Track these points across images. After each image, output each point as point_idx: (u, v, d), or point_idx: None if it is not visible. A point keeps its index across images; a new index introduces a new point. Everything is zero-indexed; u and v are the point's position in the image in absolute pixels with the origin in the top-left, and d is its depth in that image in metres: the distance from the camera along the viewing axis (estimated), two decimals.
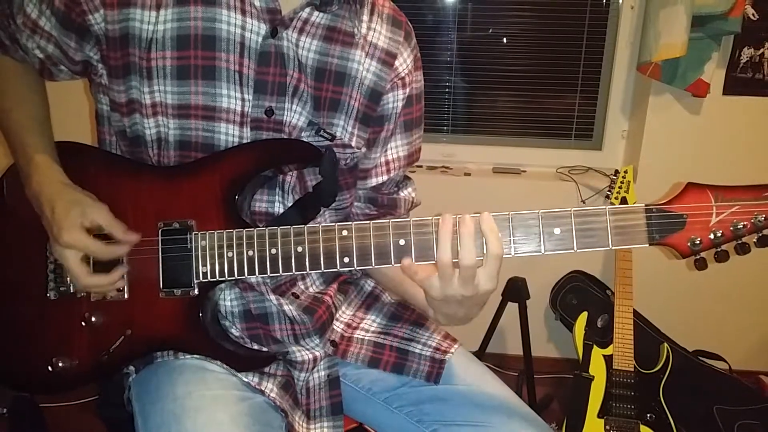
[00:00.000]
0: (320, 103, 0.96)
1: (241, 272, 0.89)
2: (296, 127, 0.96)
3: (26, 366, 0.97)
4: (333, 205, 1.03)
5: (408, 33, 1.05)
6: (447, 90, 2.36)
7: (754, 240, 0.79)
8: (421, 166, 2.30)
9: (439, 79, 2.34)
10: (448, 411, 0.99)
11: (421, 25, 2.30)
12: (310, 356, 1.01)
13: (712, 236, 0.79)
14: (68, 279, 0.94)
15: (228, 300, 0.98)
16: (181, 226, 0.91)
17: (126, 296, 0.92)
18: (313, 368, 1.02)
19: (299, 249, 0.87)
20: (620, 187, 1.92)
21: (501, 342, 2.35)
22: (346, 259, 0.86)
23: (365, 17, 1.00)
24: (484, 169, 2.34)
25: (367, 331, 1.09)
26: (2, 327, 0.98)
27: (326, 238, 0.86)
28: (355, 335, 1.08)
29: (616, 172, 1.98)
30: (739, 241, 0.79)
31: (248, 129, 0.93)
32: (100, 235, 0.90)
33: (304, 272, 0.89)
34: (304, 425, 0.98)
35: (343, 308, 1.12)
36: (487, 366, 1.09)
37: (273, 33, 0.92)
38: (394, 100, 1.03)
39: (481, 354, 2.11)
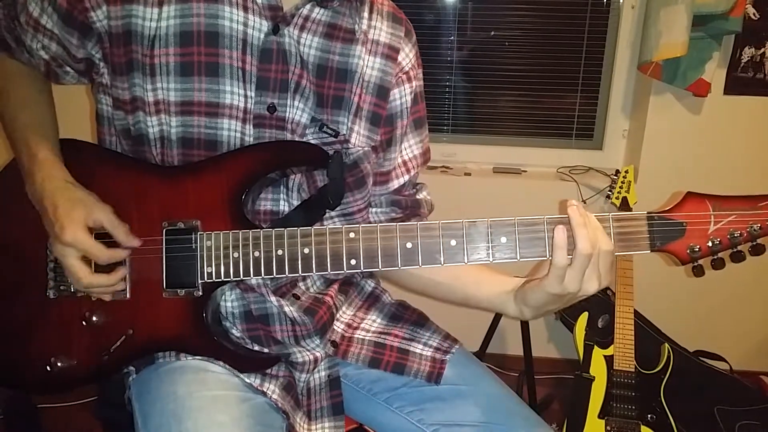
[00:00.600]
0: (323, 99, 0.96)
1: (246, 273, 0.89)
2: (300, 124, 0.96)
3: (25, 366, 0.97)
4: (338, 210, 1.02)
5: (408, 30, 1.06)
6: (447, 90, 2.36)
7: (749, 248, 0.82)
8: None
9: (440, 78, 2.34)
10: (448, 411, 0.99)
11: (421, 24, 2.30)
12: (311, 357, 1.01)
13: (710, 244, 0.82)
14: (69, 278, 0.94)
15: (229, 301, 0.98)
16: (186, 226, 0.91)
17: (128, 296, 0.92)
18: (313, 369, 1.02)
19: (306, 250, 0.87)
20: (621, 187, 1.92)
21: (501, 342, 2.34)
22: (353, 262, 0.86)
23: (365, 14, 1.00)
24: (484, 169, 2.34)
25: (367, 331, 1.09)
26: (1, 326, 0.98)
27: (333, 240, 0.86)
28: (356, 335, 1.08)
29: (617, 172, 1.98)
30: (735, 249, 0.82)
31: (251, 126, 0.93)
32: (101, 235, 0.89)
33: (310, 274, 0.89)
34: (305, 426, 0.98)
35: (344, 309, 1.12)
36: (488, 366, 1.09)
37: (275, 30, 0.92)
38: (402, 96, 1.04)
39: (481, 354, 2.11)
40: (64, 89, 1.06)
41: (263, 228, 0.89)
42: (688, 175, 2.11)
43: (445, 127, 2.40)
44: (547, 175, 2.29)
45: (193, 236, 0.90)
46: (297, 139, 0.96)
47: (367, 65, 0.99)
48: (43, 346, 0.95)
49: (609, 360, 1.81)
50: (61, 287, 0.95)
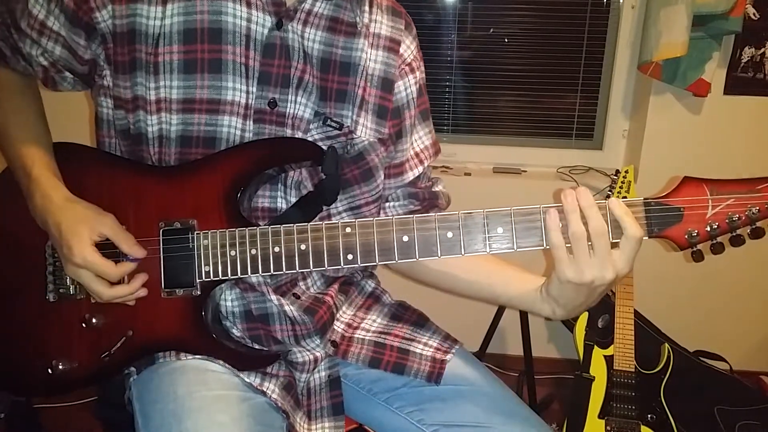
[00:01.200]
0: (327, 93, 0.97)
1: (244, 271, 0.89)
2: (302, 119, 0.96)
3: (26, 369, 0.97)
4: (345, 203, 1.03)
5: (408, 23, 1.07)
6: (447, 89, 2.36)
7: (748, 232, 0.81)
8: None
9: (440, 78, 2.34)
10: (448, 411, 0.99)
11: (421, 24, 2.29)
12: (311, 357, 1.01)
13: (708, 228, 0.81)
14: (68, 280, 0.94)
15: (229, 300, 0.98)
16: (182, 225, 0.91)
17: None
18: (313, 369, 1.02)
19: (302, 247, 0.87)
20: (621, 187, 1.91)
21: (501, 342, 2.34)
22: (350, 256, 0.86)
23: (366, 8, 1.01)
24: (484, 168, 2.34)
25: (367, 331, 1.09)
26: (1, 330, 0.98)
27: (329, 236, 0.86)
28: (356, 335, 1.08)
29: (617, 172, 1.97)
30: (734, 233, 0.81)
31: (251, 121, 0.93)
32: (106, 245, 0.89)
33: (307, 271, 0.89)
34: (305, 426, 0.98)
35: (344, 308, 1.12)
36: (488, 366, 1.09)
37: (278, 25, 0.92)
38: (407, 87, 1.05)
39: (481, 354, 2.11)
40: (63, 94, 1.06)
41: (260, 225, 0.89)
42: (688, 174, 2.10)
43: (445, 127, 2.40)
44: (547, 175, 2.29)
45: (190, 236, 0.90)
46: (294, 135, 0.96)
47: (370, 58, 0.99)
48: (44, 348, 0.95)
49: (609, 360, 1.81)
50: (61, 290, 0.95)
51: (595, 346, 1.83)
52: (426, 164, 1.10)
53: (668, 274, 2.20)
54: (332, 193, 0.98)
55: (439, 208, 1.12)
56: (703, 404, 1.93)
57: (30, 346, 0.96)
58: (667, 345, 1.89)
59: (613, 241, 0.80)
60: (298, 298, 1.01)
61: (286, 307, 0.98)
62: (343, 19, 0.98)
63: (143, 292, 0.91)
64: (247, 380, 0.94)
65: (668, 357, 1.82)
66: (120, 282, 0.90)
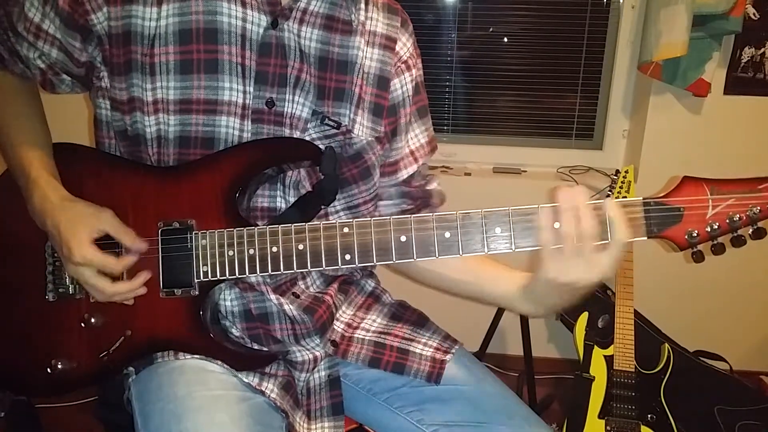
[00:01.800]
0: (324, 92, 0.96)
1: (242, 271, 0.89)
2: (300, 119, 0.96)
3: (25, 368, 0.97)
4: (343, 202, 1.02)
5: (404, 20, 1.06)
6: (447, 89, 2.36)
7: (750, 232, 0.80)
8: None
9: (440, 78, 2.34)
10: (448, 411, 0.99)
11: (421, 24, 2.30)
12: (311, 356, 1.01)
13: (708, 228, 0.80)
14: (67, 280, 0.94)
15: (228, 300, 0.98)
16: (181, 225, 0.91)
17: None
18: (313, 368, 1.02)
19: (300, 247, 0.87)
20: (621, 187, 1.91)
21: (501, 342, 2.34)
22: (348, 256, 0.86)
23: (361, 6, 1.00)
24: (484, 168, 2.34)
25: (367, 330, 1.09)
26: (1, 329, 0.98)
27: (327, 236, 0.86)
28: (356, 335, 1.08)
29: (617, 172, 1.97)
30: (735, 234, 0.80)
31: (249, 121, 0.93)
32: (105, 243, 0.89)
33: (305, 271, 0.89)
34: (305, 425, 0.98)
35: (344, 308, 1.12)
36: (488, 366, 1.09)
37: (274, 24, 0.92)
38: (403, 85, 1.04)
39: (481, 354, 2.11)
40: (62, 96, 1.06)
41: (258, 226, 0.89)
42: (687, 174, 2.10)
43: (445, 127, 2.40)
44: (547, 175, 2.28)
45: (189, 236, 0.90)
46: (293, 135, 0.96)
47: (367, 56, 0.99)
48: (44, 348, 0.95)
49: (609, 360, 1.80)
50: (60, 290, 0.95)
51: (595, 346, 1.83)
52: (420, 162, 1.10)
53: (668, 274, 2.20)
54: (331, 193, 0.98)
55: (432, 207, 1.11)
56: (703, 404, 1.93)
57: (29, 345, 0.96)
58: (667, 345, 1.89)
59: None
60: (298, 297, 1.01)
61: (286, 307, 0.98)
62: (339, 17, 0.97)
63: (143, 290, 0.91)
64: (246, 380, 0.94)
65: (668, 357, 1.82)
66: (121, 279, 0.90)
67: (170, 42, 0.90)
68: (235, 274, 0.89)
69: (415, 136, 1.09)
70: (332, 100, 0.97)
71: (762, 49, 2.01)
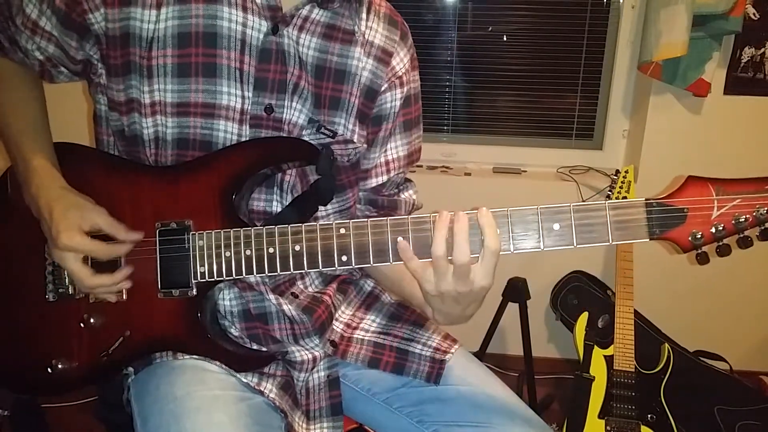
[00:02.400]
0: (321, 100, 0.96)
1: (239, 272, 0.89)
2: (296, 125, 0.96)
3: (25, 368, 0.97)
4: (336, 206, 1.03)
5: (404, 33, 1.05)
6: (447, 89, 2.36)
7: (757, 233, 0.78)
8: (421, 166, 2.29)
9: (440, 78, 2.34)
10: (448, 412, 0.99)
11: (421, 24, 2.30)
12: (310, 356, 1.01)
13: (713, 230, 0.78)
14: (66, 280, 0.94)
15: (227, 299, 0.98)
16: (178, 226, 0.91)
17: (124, 297, 0.92)
18: (312, 368, 1.02)
19: (297, 248, 0.87)
20: (621, 187, 1.91)
21: (501, 342, 2.34)
22: (344, 258, 0.86)
23: (363, 15, 1.00)
24: (484, 169, 2.34)
25: (366, 331, 1.09)
26: (1, 329, 0.98)
27: (324, 237, 0.86)
28: (355, 335, 1.08)
29: (617, 172, 1.98)
30: (741, 235, 0.78)
31: (247, 126, 0.93)
32: (99, 237, 0.89)
33: (303, 271, 0.89)
34: (304, 426, 0.98)
35: (343, 308, 1.12)
36: (488, 366, 1.09)
37: (274, 30, 0.92)
38: (392, 100, 1.03)
39: (481, 354, 2.11)
40: (62, 90, 1.06)
41: (255, 226, 0.89)
42: (689, 174, 2.10)
43: (445, 127, 2.40)
44: (547, 175, 2.28)
45: (186, 236, 0.90)
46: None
47: (362, 66, 0.99)
48: (44, 348, 0.95)
49: (609, 360, 1.80)
50: (60, 290, 0.95)
51: (595, 346, 1.83)
52: (393, 174, 1.09)
53: (668, 273, 2.20)
54: (328, 193, 0.99)
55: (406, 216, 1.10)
56: (703, 404, 1.93)
57: (29, 345, 0.96)
58: (667, 345, 1.89)
59: (618, 243, 0.79)
60: (296, 297, 1.01)
61: (285, 307, 0.98)
62: (340, 26, 0.97)
63: (126, 285, 0.91)
64: (245, 380, 0.94)
65: (668, 357, 1.82)
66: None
67: (169, 45, 0.90)
68: (232, 275, 0.89)
69: (395, 147, 1.08)
70: (328, 109, 0.97)
71: (762, 49, 2.01)
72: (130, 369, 0.97)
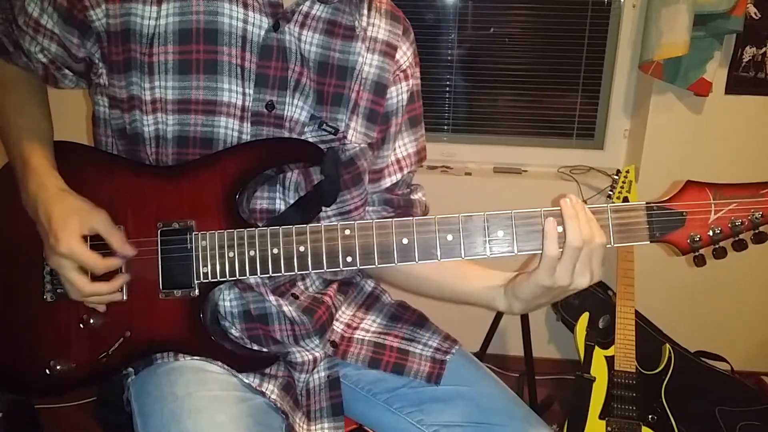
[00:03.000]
0: (323, 97, 0.96)
1: (242, 272, 0.88)
2: (298, 122, 0.95)
3: (24, 369, 0.96)
4: (335, 209, 1.02)
5: (406, 28, 1.05)
6: (447, 89, 2.36)
7: (751, 237, 0.81)
8: (421, 166, 2.29)
9: (440, 78, 2.33)
10: (448, 412, 0.99)
11: (421, 23, 2.30)
12: (310, 357, 1.00)
13: (711, 233, 0.81)
14: (67, 289, 0.93)
15: (227, 300, 0.97)
16: (180, 226, 0.90)
17: (125, 298, 0.91)
18: (313, 369, 1.01)
19: (301, 249, 0.86)
20: (622, 187, 1.91)
21: (502, 343, 2.34)
22: (349, 259, 0.85)
23: (364, 11, 0.99)
24: (484, 168, 2.33)
25: (367, 331, 1.09)
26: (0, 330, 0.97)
27: (329, 238, 0.86)
28: (355, 336, 1.08)
29: (618, 171, 1.97)
30: (737, 238, 0.81)
31: (248, 123, 0.93)
32: (96, 241, 0.89)
33: (306, 272, 0.88)
34: (305, 426, 0.97)
35: (343, 308, 1.11)
36: (488, 367, 1.09)
37: (275, 26, 0.92)
38: (398, 94, 1.03)
39: (482, 355, 2.11)
40: (61, 92, 1.06)
41: (258, 227, 0.89)
42: (689, 174, 2.05)
43: (445, 127, 2.39)
44: (548, 174, 2.28)
45: (188, 236, 0.90)
46: (291, 136, 0.95)
47: (366, 62, 0.98)
48: (42, 349, 0.94)
49: (610, 360, 1.80)
50: (58, 290, 0.94)
51: (596, 347, 1.83)
52: (406, 171, 1.09)
53: (669, 274, 2.20)
54: (331, 194, 0.98)
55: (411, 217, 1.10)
56: (705, 405, 1.93)
57: (28, 346, 0.96)
58: (668, 345, 1.89)
59: (619, 245, 0.81)
60: (297, 298, 1.01)
61: (285, 308, 0.97)
62: (342, 22, 0.97)
63: (117, 297, 0.90)
64: (246, 381, 0.93)
65: (669, 357, 1.82)
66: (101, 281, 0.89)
67: (169, 41, 0.89)
68: (235, 276, 0.89)
69: (404, 145, 1.08)
70: (330, 106, 0.97)
71: (763, 49, 2.01)
72: (130, 369, 0.97)
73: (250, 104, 0.92)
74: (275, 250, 0.87)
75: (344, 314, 1.11)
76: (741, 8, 1.85)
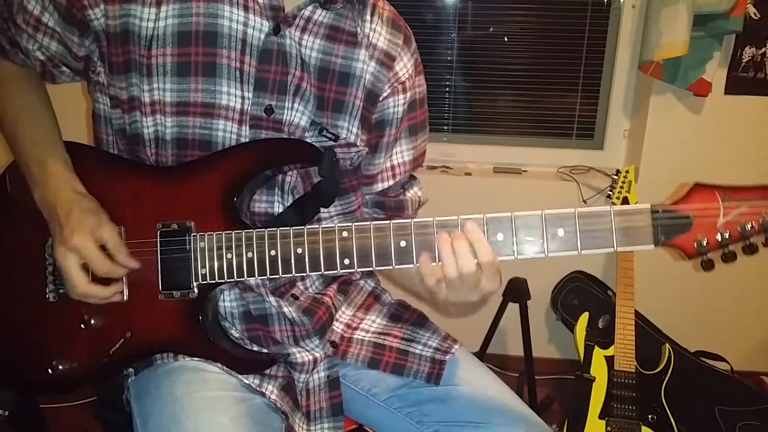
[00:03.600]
0: (324, 103, 0.96)
1: (240, 274, 0.88)
2: (298, 127, 0.95)
3: (26, 368, 0.97)
4: (339, 208, 1.02)
5: (407, 37, 1.05)
6: (447, 89, 2.36)
7: (762, 240, 0.78)
8: (421, 166, 2.29)
9: (440, 78, 2.33)
10: (448, 412, 0.99)
11: (421, 24, 2.30)
12: (310, 357, 1.01)
13: (719, 237, 0.78)
14: (65, 283, 0.94)
15: (228, 301, 0.98)
16: (179, 227, 0.90)
17: (125, 298, 0.91)
18: (313, 369, 1.01)
19: (299, 250, 0.86)
20: (622, 187, 1.91)
21: (502, 343, 2.34)
22: (347, 261, 0.85)
23: (367, 17, 0.99)
24: (484, 168, 2.33)
25: (367, 331, 1.09)
26: (2, 329, 0.98)
27: (326, 239, 0.86)
28: (355, 336, 1.08)
29: (618, 171, 1.97)
30: (747, 242, 0.78)
31: (247, 127, 0.93)
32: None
33: (304, 274, 0.88)
34: (304, 426, 0.98)
35: (343, 309, 1.11)
36: (488, 367, 1.09)
37: (276, 30, 0.91)
38: (395, 105, 1.03)
39: (481, 355, 2.11)
40: (60, 89, 1.06)
41: (257, 228, 0.89)
42: (689, 174, 2.06)
43: (445, 127, 2.39)
44: (548, 175, 2.28)
45: (187, 238, 0.90)
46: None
47: (366, 69, 0.98)
48: (45, 348, 0.95)
49: (610, 360, 1.80)
50: (61, 290, 0.94)
51: (596, 347, 1.83)
52: (398, 178, 1.09)
53: (669, 274, 2.20)
54: (330, 195, 0.98)
55: (401, 218, 1.10)
56: (704, 405, 1.93)
57: (31, 345, 0.96)
58: (667, 345, 1.89)
59: (623, 249, 0.80)
60: (297, 298, 1.01)
61: (285, 308, 0.97)
62: (344, 28, 0.96)
63: (118, 297, 0.90)
64: (246, 381, 0.94)
65: (669, 357, 1.82)
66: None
67: (168, 44, 0.89)
68: (233, 277, 0.89)
69: (401, 152, 1.08)
70: (331, 112, 0.96)
71: (763, 49, 2.01)
72: (131, 369, 0.97)
73: (249, 108, 0.92)
74: (273, 252, 0.87)
75: (344, 314, 1.11)
76: (740, 8, 1.85)
